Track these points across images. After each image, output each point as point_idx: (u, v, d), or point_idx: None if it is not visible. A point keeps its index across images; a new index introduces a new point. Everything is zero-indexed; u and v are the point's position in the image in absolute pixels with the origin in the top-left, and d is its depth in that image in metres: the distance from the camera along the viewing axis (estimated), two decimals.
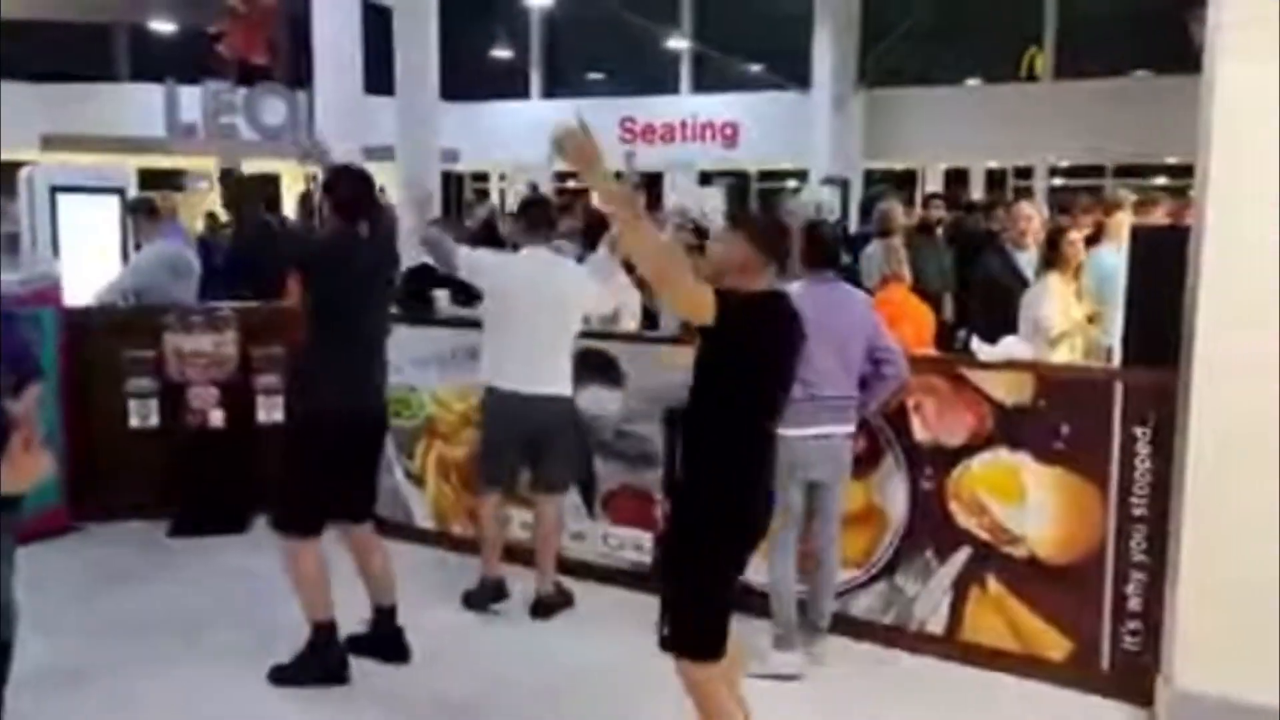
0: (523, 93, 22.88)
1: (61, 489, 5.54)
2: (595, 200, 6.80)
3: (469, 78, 21.45)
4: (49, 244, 6.82)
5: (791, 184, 20.03)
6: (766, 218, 3.79)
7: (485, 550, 4.71)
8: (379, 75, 7.80)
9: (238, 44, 18.61)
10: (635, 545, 4.89)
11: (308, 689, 3.87)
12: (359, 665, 4.01)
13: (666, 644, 2.95)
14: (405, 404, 5.41)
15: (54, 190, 6.91)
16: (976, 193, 19.15)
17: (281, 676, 3.92)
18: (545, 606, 4.62)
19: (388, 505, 5.56)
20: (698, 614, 2.95)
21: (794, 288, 3.99)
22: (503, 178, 22.42)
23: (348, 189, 3.99)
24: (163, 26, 18.63)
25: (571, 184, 23.06)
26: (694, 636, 2.93)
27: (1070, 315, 5.10)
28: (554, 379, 4.48)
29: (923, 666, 4.14)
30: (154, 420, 5.63)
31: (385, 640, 4.11)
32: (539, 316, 4.42)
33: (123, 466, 5.62)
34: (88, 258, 6.65)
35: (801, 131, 18.51)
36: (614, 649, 4.21)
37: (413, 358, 5.39)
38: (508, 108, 22.17)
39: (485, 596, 4.66)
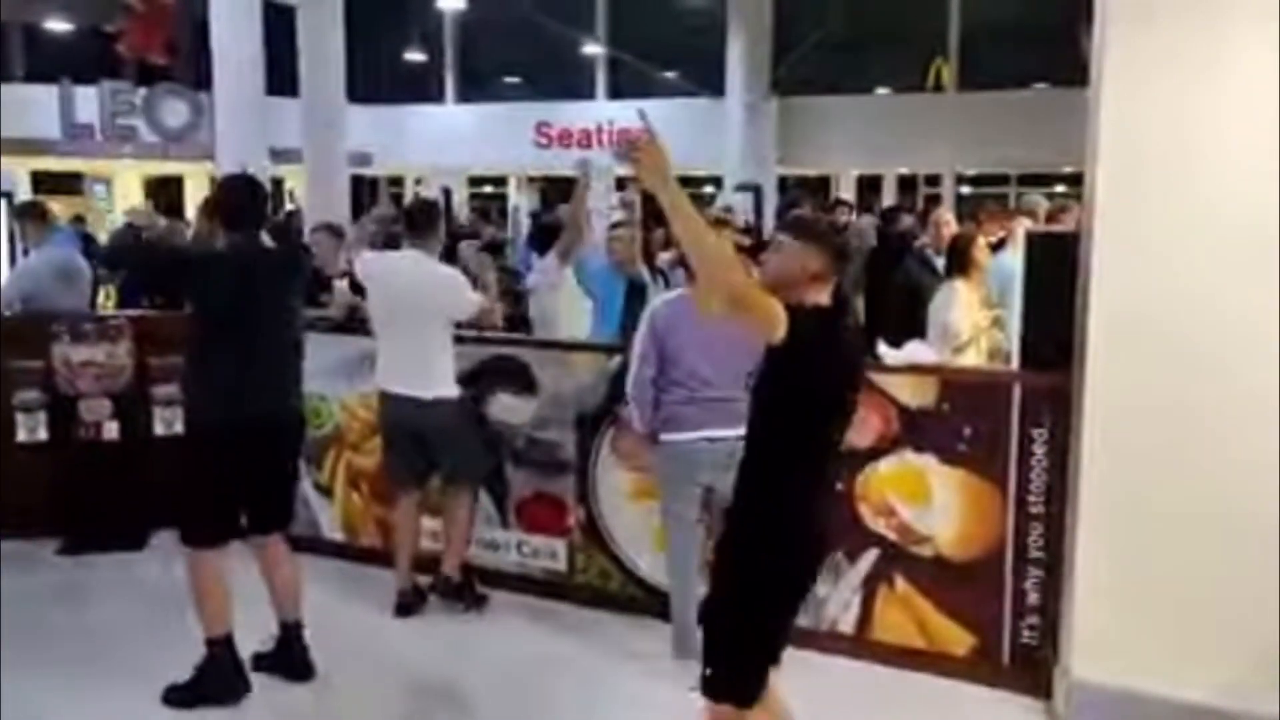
0: (437, 96, 22.67)
1: None
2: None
3: (382, 80, 21.18)
4: None
5: (707, 189, 20.19)
6: (826, 222, 3.38)
7: (399, 556, 4.69)
8: (283, 77, 7.63)
9: (136, 42, 18.11)
10: (549, 553, 4.86)
11: (203, 709, 3.73)
12: (262, 682, 3.89)
13: (709, 687, 2.71)
14: (315, 413, 5.27)
15: None
16: (888, 199, 19.56)
17: (175, 697, 3.77)
18: (452, 588, 4.63)
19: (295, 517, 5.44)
20: (754, 660, 2.73)
21: (677, 292, 4.04)
22: (418, 181, 22.17)
23: (231, 198, 3.95)
24: (58, 26, 18.00)
25: (489, 188, 22.94)
26: (742, 681, 2.71)
27: (975, 321, 5.22)
28: (437, 381, 4.51)
29: (832, 665, 4.18)
30: (42, 434, 5.41)
31: (289, 657, 4.00)
32: (418, 319, 4.49)
33: (8, 482, 5.37)
34: None
35: (716, 137, 18.67)
36: (528, 655, 4.18)
37: (322, 366, 5.26)
38: (422, 111, 21.94)
39: (404, 603, 4.63)
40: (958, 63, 19.54)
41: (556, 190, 17.75)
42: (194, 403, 3.95)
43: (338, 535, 5.40)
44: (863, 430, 4.16)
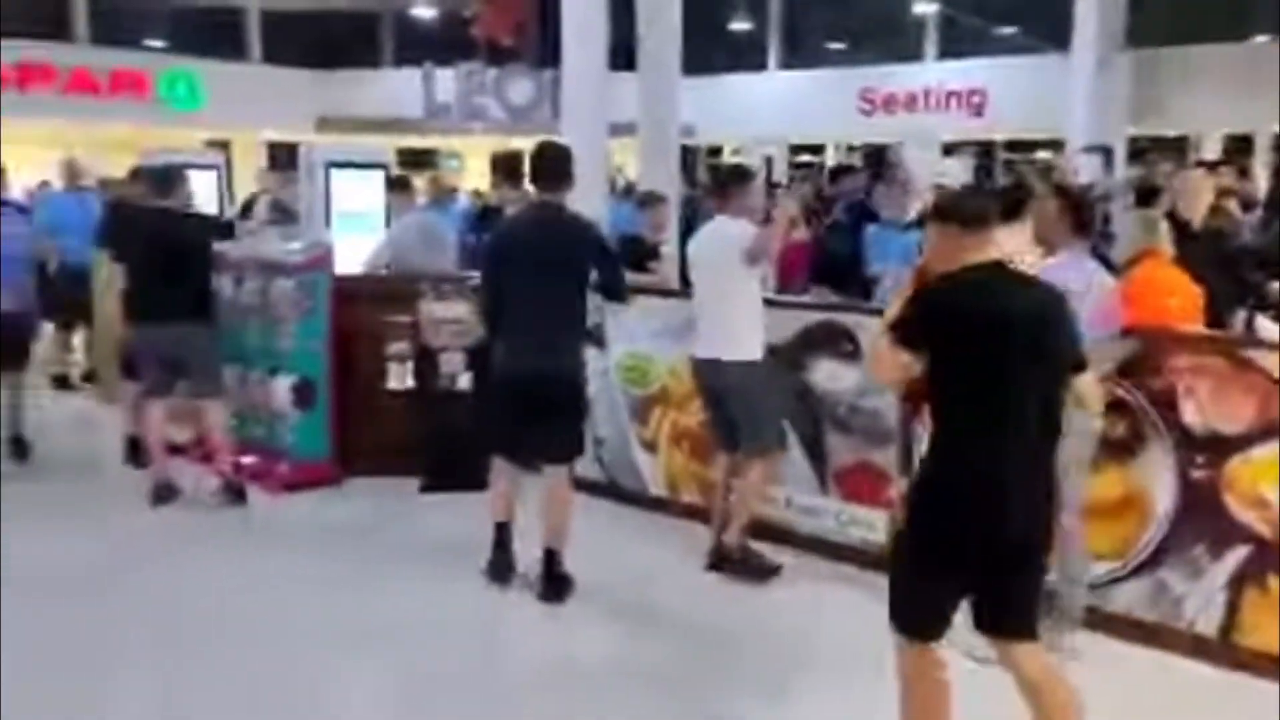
0: (760, 65, 22.71)
1: (330, 443, 6.04)
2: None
3: (706, 51, 21.53)
4: (322, 215, 7.44)
5: (1043, 154, 18.87)
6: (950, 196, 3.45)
7: (712, 515, 4.81)
8: (619, 52, 7.95)
9: (489, 26, 19.55)
10: (868, 524, 4.78)
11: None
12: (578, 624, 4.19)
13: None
14: (642, 373, 5.52)
15: (328, 166, 7.52)
16: (1261, 160, 17.36)
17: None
18: (725, 559, 4.67)
19: (623, 471, 5.73)
20: (897, 594, 2.91)
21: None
22: (736, 151, 22.38)
23: (537, 160, 4.52)
24: (423, 13, 19.79)
25: (806, 157, 22.79)
26: (892, 605, 2.90)
27: None
28: (735, 344, 4.56)
29: (1186, 669, 3.82)
30: (409, 382, 6.03)
31: (547, 579, 4.48)
32: (716, 280, 4.60)
33: (381, 425, 6.04)
34: (355, 228, 7.20)
35: (1058, 97, 17.36)
36: (832, 624, 4.16)
37: (651, 328, 5.50)
38: (745, 80, 22.05)
39: (713, 562, 4.72)
40: None
41: (871, 160, 17.24)
42: (489, 358, 4.65)
43: (661, 491, 5.62)
44: (1234, 413, 3.75)
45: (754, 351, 4.60)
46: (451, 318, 5.94)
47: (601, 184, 6.34)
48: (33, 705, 3.51)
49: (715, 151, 24.01)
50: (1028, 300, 2.80)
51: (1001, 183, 12.35)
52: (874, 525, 4.74)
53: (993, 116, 19.49)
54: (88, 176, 8.56)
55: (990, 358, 2.72)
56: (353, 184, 7.49)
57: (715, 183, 5.03)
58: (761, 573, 4.67)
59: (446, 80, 18.63)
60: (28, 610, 4.14)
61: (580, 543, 4.62)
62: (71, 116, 16.63)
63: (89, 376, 8.32)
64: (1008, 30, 18.88)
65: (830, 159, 22.18)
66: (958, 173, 12.02)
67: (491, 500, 4.67)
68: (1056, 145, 18.41)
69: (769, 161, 16.62)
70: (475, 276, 5.25)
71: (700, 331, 4.72)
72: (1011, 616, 2.82)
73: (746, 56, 22.57)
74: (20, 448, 6.30)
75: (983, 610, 2.85)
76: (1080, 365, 2.91)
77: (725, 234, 4.62)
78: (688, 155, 22.43)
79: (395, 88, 19.52)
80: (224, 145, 19.03)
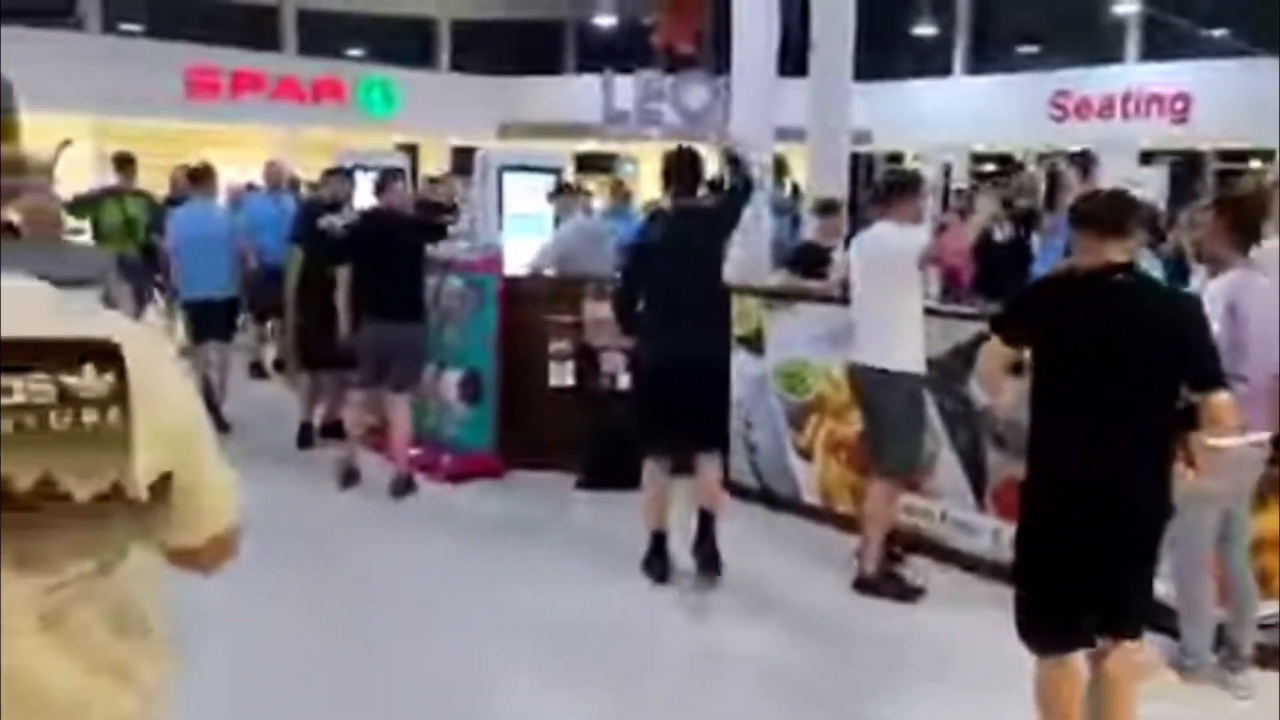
0: (945, 69, 22.06)
1: (493, 437, 6.26)
2: None
3: (889, 56, 21.09)
4: (495, 217, 7.73)
5: (1255, 164, 17.56)
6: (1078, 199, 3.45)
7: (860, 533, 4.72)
8: (788, 57, 7.91)
9: (668, 34, 19.76)
10: None
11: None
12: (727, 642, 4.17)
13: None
14: (799, 379, 5.48)
15: (502, 170, 7.81)
16: None
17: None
18: (867, 584, 4.55)
19: (777, 478, 5.70)
20: (1021, 602, 2.89)
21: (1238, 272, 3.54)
22: (916, 158, 21.81)
23: (672, 165, 4.74)
24: (604, 21, 20.21)
25: (989, 167, 21.99)
26: (1016, 615, 2.87)
27: None
28: (888, 354, 4.47)
29: None
30: (569, 380, 6.18)
31: (701, 560, 4.64)
32: (871, 287, 4.55)
33: (542, 421, 6.22)
34: (525, 230, 7.45)
35: (1272, 104, 16.12)
36: (982, 646, 3.99)
37: (811, 334, 5.45)
38: (928, 85, 21.48)
39: (861, 580, 4.63)
40: None
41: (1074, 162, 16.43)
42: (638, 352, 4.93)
43: (815, 499, 5.56)
44: None
45: (911, 362, 4.49)
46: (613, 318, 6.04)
47: (766, 188, 6.30)
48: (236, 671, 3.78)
49: (895, 158, 23.47)
50: (1136, 307, 2.75)
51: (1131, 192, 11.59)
52: None
53: (1198, 123, 18.28)
54: (285, 178, 9.18)
55: (1073, 359, 2.75)
56: (525, 187, 7.76)
57: (880, 189, 4.95)
58: (904, 594, 4.56)
59: (625, 87, 18.95)
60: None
61: (733, 546, 4.67)
62: (276, 121, 17.87)
63: (279, 364, 8.91)
64: (1217, 32, 17.68)
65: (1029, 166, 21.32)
66: (1156, 182, 11.32)
67: (644, 506, 4.76)
68: (1268, 155, 17.14)
69: (948, 169, 16.10)
70: None
71: (858, 338, 4.65)
72: (1114, 614, 2.81)
73: (931, 60, 21.99)
74: (219, 419, 6.81)
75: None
76: (1208, 382, 2.73)
77: (887, 239, 4.54)
78: (859, 162, 22.08)
79: (575, 94, 19.98)
80: (412, 149, 20.06)
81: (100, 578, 1.16)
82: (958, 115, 20.16)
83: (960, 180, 18.49)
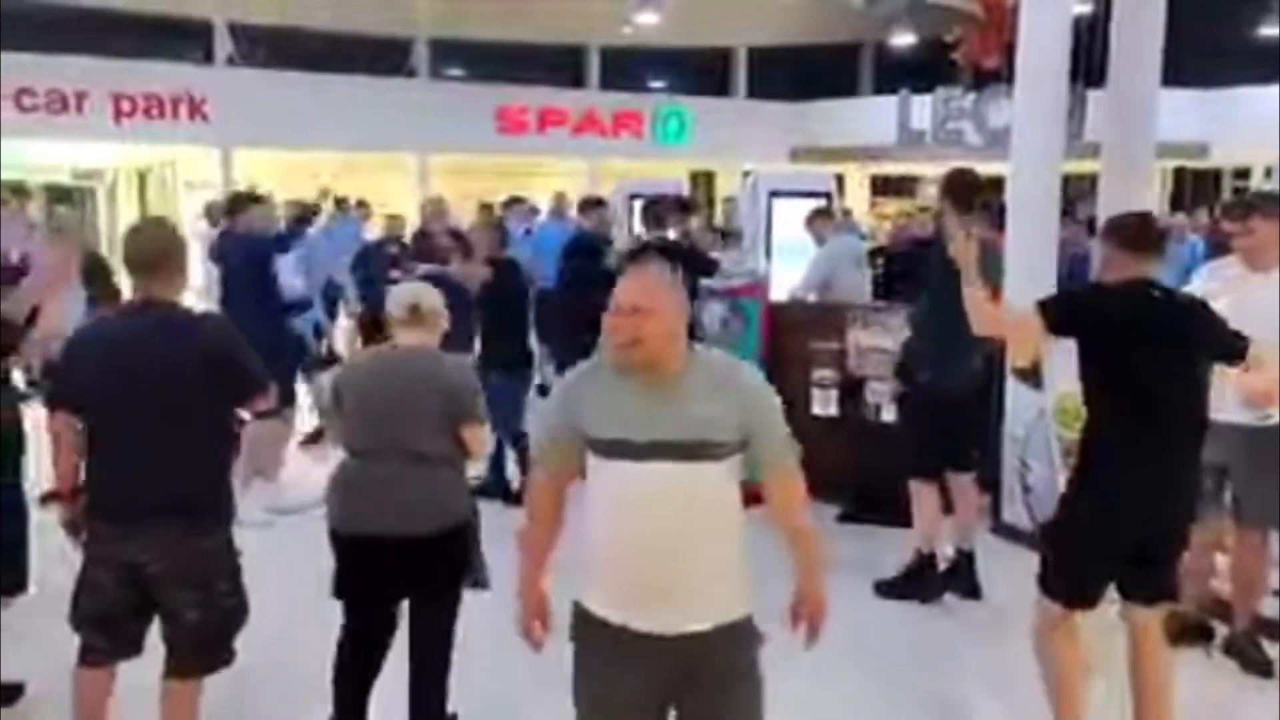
0: None
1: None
2: None
3: (1229, 62, 19.05)
4: (763, 241, 7.67)
5: None
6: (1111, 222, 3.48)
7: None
8: (1080, 67, 7.28)
9: (974, 50, 18.86)
10: None
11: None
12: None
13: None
14: (1074, 415, 4.99)
15: (771, 194, 7.74)
16: None
17: (883, 589, 4.82)
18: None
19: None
20: (1053, 561, 3.25)
21: None
22: (1268, 173, 19.44)
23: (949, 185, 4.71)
24: (902, 40, 19.67)
25: None
26: (1043, 568, 3.26)
27: None
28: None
29: None
30: (833, 409, 5.99)
31: (961, 578, 4.77)
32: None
33: (804, 451, 6.03)
34: (792, 255, 7.35)
35: None
36: None
37: None
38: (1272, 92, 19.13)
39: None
40: None
41: None
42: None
43: None
44: None
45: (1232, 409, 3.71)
46: (879, 346, 5.81)
47: (1053, 211, 5.81)
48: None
49: (1242, 174, 21.11)
50: (1163, 312, 3.11)
51: None
52: None
53: None
54: (571, 208, 9.61)
55: (1124, 360, 3.09)
56: (794, 211, 7.63)
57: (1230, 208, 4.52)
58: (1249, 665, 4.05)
59: (922, 106, 18.34)
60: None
61: (1000, 585, 4.61)
62: (578, 153, 18.83)
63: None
64: None
65: None
66: None
67: (917, 524, 4.81)
68: None
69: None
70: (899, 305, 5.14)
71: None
72: (1150, 583, 3.19)
73: (1275, 65, 19.61)
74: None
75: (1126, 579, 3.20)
76: (1241, 351, 3.13)
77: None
78: (1184, 177, 20.00)
79: (870, 116, 19.59)
80: (708, 176, 20.41)
81: None
82: None
83: None
